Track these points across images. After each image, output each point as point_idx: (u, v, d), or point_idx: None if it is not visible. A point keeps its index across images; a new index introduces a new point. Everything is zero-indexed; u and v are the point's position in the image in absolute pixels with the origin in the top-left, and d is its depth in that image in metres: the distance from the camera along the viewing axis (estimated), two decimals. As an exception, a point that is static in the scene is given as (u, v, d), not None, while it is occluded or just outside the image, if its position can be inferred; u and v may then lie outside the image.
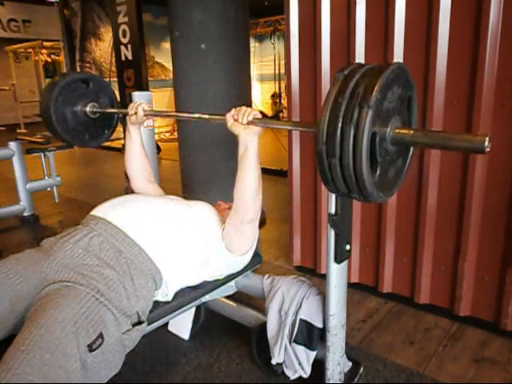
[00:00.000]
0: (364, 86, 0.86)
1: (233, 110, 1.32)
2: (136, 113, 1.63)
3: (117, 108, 1.98)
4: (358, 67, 0.94)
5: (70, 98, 1.84)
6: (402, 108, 1.00)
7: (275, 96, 10.24)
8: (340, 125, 0.86)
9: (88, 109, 1.89)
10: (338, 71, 0.94)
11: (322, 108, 2.01)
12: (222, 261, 1.46)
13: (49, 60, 9.95)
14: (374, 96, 0.84)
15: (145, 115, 1.65)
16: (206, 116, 1.46)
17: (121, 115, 1.92)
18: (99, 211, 1.39)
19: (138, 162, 1.71)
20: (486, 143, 0.81)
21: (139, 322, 1.23)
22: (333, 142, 0.87)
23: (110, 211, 1.38)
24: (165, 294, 1.38)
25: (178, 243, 1.39)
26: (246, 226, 1.38)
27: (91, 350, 1.05)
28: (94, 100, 1.91)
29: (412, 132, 0.94)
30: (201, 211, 1.51)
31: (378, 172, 0.91)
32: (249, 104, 3.01)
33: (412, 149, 1.09)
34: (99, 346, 1.07)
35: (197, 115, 1.51)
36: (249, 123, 1.27)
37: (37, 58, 9.76)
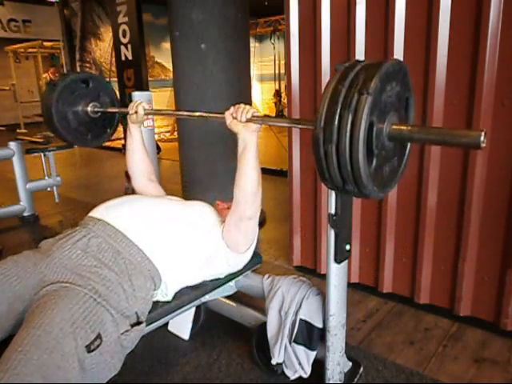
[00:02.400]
0: (364, 76, 0.88)
1: (231, 108, 1.33)
2: (136, 112, 1.65)
3: (117, 107, 1.99)
4: (359, 62, 0.95)
5: (70, 99, 1.85)
6: (399, 106, 1.00)
7: (277, 94, 10.21)
8: (338, 110, 0.87)
9: (89, 108, 1.89)
10: (338, 64, 0.96)
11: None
12: (222, 259, 1.46)
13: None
14: (373, 83, 0.85)
15: (145, 114, 1.66)
16: (205, 114, 1.47)
17: (121, 115, 1.92)
18: (97, 212, 1.39)
19: (139, 161, 1.73)
20: (482, 138, 0.82)
21: (138, 323, 1.23)
22: (330, 128, 0.87)
23: (108, 212, 1.38)
24: (164, 293, 1.38)
25: (177, 243, 1.39)
26: (245, 223, 1.39)
27: (89, 351, 1.05)
28: (94, 99, 1.92)
29: (409, 128, 0.94)
30: (200, 211, 1.51)
31: (373, 164, 0.91)
32: (248, 103, 3.01)
33: (408, 147, 1.09)
34: (97, 346, 1.07)
35: (196, 113, 1.52)
36: (247, 121, 1.28)
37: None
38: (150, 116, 1.88)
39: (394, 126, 0.95)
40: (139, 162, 1.73)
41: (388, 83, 0.92)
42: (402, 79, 0.98)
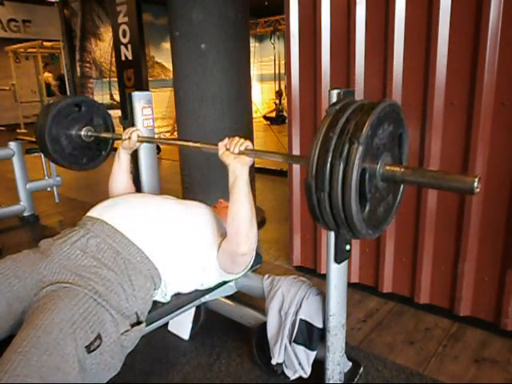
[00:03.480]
0: (355, 122, 0.86)
1: (226, 139, 1.32)
2: (130, 138, 1.65)
3: (111, 130, 1.98)
4: (350, 103, 0.94)
5: (64, 124, 1.84)
6: (392, 145, 0.99)
7: (278, 94, 10.19)
8: (330, 159, 0.86)
9: (83, 132, 1.89)
10: (329, 105, 0.95)
11: (320, 118, 2.02)
12: (216, 272, 1.45)
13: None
14: (364, 132, 0.83)
15: (138, 141, 1.66)
16: (199, 145, 1.45)
17: (116, 139, 1.91)
18: (95, 212, 1.39)
19: (120, 188, 1.71)
20: (476, 184, 0.82)
21: (138, 323, 1.23)
22: (322, 176, 0.86)
23: (107, 212, 1.38)
24: (164, 293, 1.38)
25: (176, 243, 1.39)
26: (239, 258, 1.37)
27: (89, 351, 1.05)
28: (88, 123, 1.91)
29: (402, 170, 0.93)
30: (198, 215, 1.49)
31: (367, 208, 0.90)
32: (248, 103, 3.01)
33: (402, 187, 1.09)
34: (97, 347, 1.07)
35: (190, 143, 1.50)
36: (240, 153, 1.27)
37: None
38: (149, 118, 1.87)
39: (388, 167, 0.93)
40: (120, 189, 1.70)
41: (380, 127, 0.90)
42: (394, 119, 0.97)
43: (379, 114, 0.88)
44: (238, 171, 1.28)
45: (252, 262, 1.48)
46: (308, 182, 0.89)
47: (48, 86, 9.64)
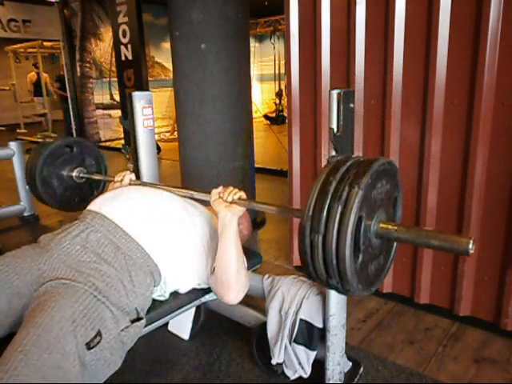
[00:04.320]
0: (355, 171, 0.88)
1: (220, 188, 1.32)
2: (122, 180, 1.63)
3: (104, 170, 1.98)
4: (350, 157, 0.96)
5: (55, 166, 1.85)
6: (388, 204, 1.00)
7: (278, 95, 10.20)
8: (328, 202, 0.86)
9: (74, 174, 1.88)
10: (330, 156, 0.97)
11: (320, 118, 2.02)
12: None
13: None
14: (365, 178, 0.84)
15: (130, 184, 1.63)
16: (192, 192, 1.44)
17: (107, 181, 1.88)
18: (95, 205, 1.38)
19: None
20: (470, 246, 0.81)
21: (138, 319, 1.23)
22: (318, 218, 0.86)
23: (107, 205, 1.37)
24: (163, 291, 1.38)
25: (175, 240, 1.38)
26: (227, 301, 1.36)
27: (89, 348, 1.05)
28: (80, 164, 1.91)
29: (396, 227, 0.93)
30: (197, 215, 1.48)
31: (359, 259, 0.89)
32: (248, 103, 3.01)
33: (395, 246, 1.08)
34: (97, 343, 1.07)
35: (183, 190, 1.48)
36: (232, 202, 1.27)
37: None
38: (149, 117, 1.86)
39: (382, 225, 0.94)
40: None
41: (379, 181, 0.91)
42: (392, 179, 0.98)
43: (379, 168, 0.89)
44: (228, 220, 1.28)
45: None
46: (303, 224, 0.89)
47: (36, 84, 9.53)
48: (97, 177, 1.91)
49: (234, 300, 1.35)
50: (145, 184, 1.70)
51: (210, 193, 1.34)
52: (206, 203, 1.60)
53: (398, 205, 1.05)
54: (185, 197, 1.50)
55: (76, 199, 1.94)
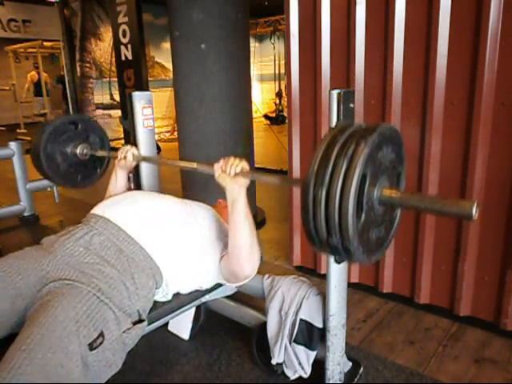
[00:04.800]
0: (363, 131, 0.88)
1: (221, 161, 1.30)
2: (125, 157, 1.62)
3: (107, 149, 1.97)
4: (357, 123, 0.97)
5: (59, 143, 1.83)
6: (392, 174, 1.00)
7: (278, 95, 10.19)
8: (334, 156, 0.86)
9: (78, 150, 1.87)
10: (336, 122, 0.96)
11: (320, 118, 2.01)
12: (214, 275, 1.45)
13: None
14: (372, 137, 0.85)
15: (134, 160, 1.63)
16: (196, 166, 1.43)
17: (111, 158, 1.90)
18: (99, 209, 1.39)
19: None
20: (474, 210, 0.81)
21: (140, 321, 1.23)
22: (323, 172, 0.86)
23: (110, 209, 1.38)
24: (165, 293, 1.38)
25: (177, 242, 1.39)
26: (242, 279, 1.37)
27: (92, 349, 1.05)
28: (84, 141, 1.90)
29: (400, 193, 0.94)
30: (200, 216, 1.49)
31: (362, 219, 0.89)
32: (248, 103, 3.01)
33: (398, 217, 1.07)
34: (100, 344, 1.07)
35: (186, 163, 1.48)
36: (236, 175, 1.25)
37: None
38: (149, 120, 1.87)
39: (386, 191, 0.94)
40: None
41: (385, 145, 0.92)
42: (397, 149, 0.98)
43: (385, 131, 0.89)
44: (236, 193, 1.27)
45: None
46: (307, 180, 0.89)
47: (36, 84, 9.54)
48: (101, 153, 1.91)
49: (252, 272, 1.34)
50: (147, 159, 1.70)
51: (212, 165, 1.32)
52: (210, 201, 1.60)
53: (401, 178, 1.04)
54: (185, 202, 1.50)
55: (79, 176, 1.94)
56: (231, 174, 1.25)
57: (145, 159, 1.76)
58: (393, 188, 0.97)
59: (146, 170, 1.94)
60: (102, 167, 2.00)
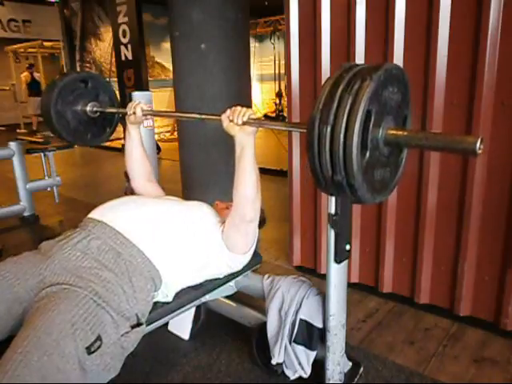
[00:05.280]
0: (368, 69, 0.89)
1: (228, 111, 1.32)
2: (135, 112, 1.64)
3: (116, 107, 1.98)
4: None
5: (69, 99, 1.84)
6: (397, 116, 1.00)
7: (278, 95, 10.19)
8: (339, 93, 0.86)
9: (88, 108, 1.88)
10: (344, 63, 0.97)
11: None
12: (222, 260, 1.46)
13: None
14: (377, 74, 0.85)
15: (143, 115, 1.65)
16: (203, 116, 1.47)
17: (121, 115, 1.92)
18: (97, 213, 1.39)
19: (137, 162, 1.72)
20: (478, 144, 0.81)
21: (138, 324, 1.23)
22: (328, 109, 0.86)
23: (108, 213, 1.38)
24: (165, 294, 1.38)
25: (177, 244, 1.39)
26: (245, 225, 1.38)
27: (90, 353, 1.05)
28: (93, 99, 1.91)
29: (404, 132, 0.94)
30: (200, 212, 1.51)
31: (366, 157, 0.89)
32: (248, 103, 3.01)
33: (403, 159, 1.08)
34: (98, 348, 1.07)
35: (194, 115, 1.52)
36: (244, 123, 1.27)
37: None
38: (148, 116, 1.87)
39: (390, 131, 0.94)
40: (138, 163, 1.72)
41: (390, 84, 0.91)
42: (403, 89, 0.98)
43: (391, 68, 0.90)
44: (245, 141, 1.29)
45: (255, 242, 1.49)
46: (313, 115, 0.88)
47: (32, 85, 9.51)
48: (110, 110, 1.92)
49: (255, 217, 1.37)
50: (156, 113, 1.78)
51: (219, 116, 1.34)
52: (210, 201, 1.61)
53: (407, 121, 1.05)
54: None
55: (89, 135, 1.94)
56: (239, 123, 1.27)
57: (153, 113, 1.80)
58: (398, 128, 0.97)
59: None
60: (111, 126, 2.01)
